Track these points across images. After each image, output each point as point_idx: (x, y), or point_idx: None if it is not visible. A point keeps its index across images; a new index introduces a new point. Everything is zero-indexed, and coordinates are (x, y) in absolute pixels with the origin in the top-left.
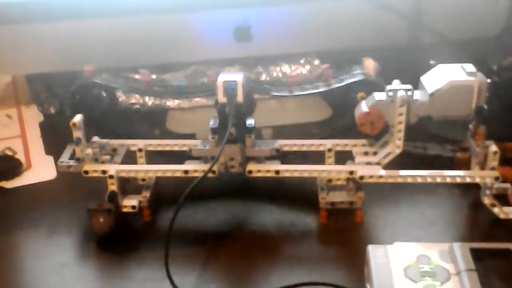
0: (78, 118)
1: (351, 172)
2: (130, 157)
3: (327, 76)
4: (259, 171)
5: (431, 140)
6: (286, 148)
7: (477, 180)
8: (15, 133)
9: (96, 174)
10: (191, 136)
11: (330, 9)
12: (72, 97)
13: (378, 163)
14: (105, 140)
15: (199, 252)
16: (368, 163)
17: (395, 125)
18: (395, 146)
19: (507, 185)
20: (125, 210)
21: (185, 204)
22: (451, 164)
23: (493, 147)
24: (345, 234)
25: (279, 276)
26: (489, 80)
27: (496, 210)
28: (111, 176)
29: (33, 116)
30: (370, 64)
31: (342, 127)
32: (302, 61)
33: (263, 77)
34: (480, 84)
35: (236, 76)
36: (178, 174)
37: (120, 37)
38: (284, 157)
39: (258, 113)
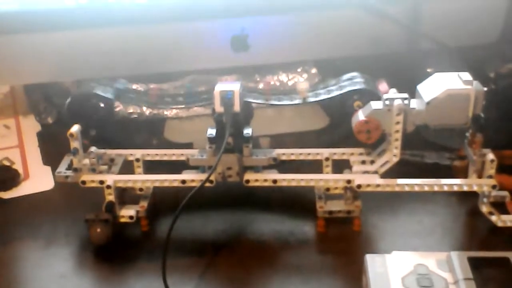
0: (75, 128)
1: (349, 181)
2: (127, 167)
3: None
4: (256, 180)
5: (428, 148)
6: (283, 157)
7: (475, 188)
8: (13, 143)
9: (93, 184)
10: (189, 146)
11: (328, 17)
12: (69, 108)
13: (375, 172)
14: (102, 150)
15: (197, 262)
16: (366, 172)
17: (392, 134)
18: (392, 154)
19: (505, 193)
20: (122, 220)
21: (183, 214)
22: (448, 172)
23: (490, 155)
24: (343, 243)
25: (277, 285)
26: (485, 88)
27: (493, 218)
28: (108, 186)
29: (31, 126)
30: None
31: (339, 136)
32: (299, 70)
33: (261, 86)
34: (476, 92)
35: (233, 86)
36: (175, 184)
37: (117, 47)
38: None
39: (256, 122)
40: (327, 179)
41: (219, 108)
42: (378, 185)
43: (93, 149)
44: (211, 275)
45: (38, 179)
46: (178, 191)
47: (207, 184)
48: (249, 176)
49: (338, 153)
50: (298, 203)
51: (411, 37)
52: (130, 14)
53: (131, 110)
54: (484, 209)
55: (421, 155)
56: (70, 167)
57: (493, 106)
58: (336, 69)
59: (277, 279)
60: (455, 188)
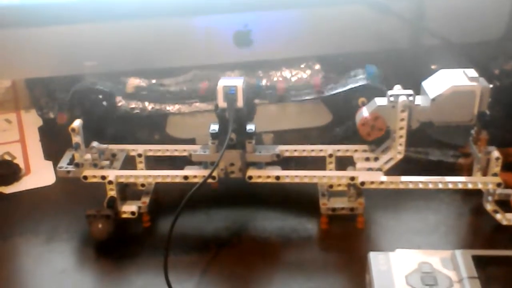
0: (77, 123)
1: (352, 178)
2: (129, 163)
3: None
4: (259, 176)
5: (433, 145)
6: (286, 154)
7: (479, 186)
8: (14, 138)
9: (95, 180)
10: (191, 141)
11: (331, 13)
12: (70, 102)
13: (379, 169)
14: (104, 145)
15: (199, 258)
16: (369, 169)
17: (396, 131)
18: (397, 151)
19: (510, 191)
20: (124, 216)
21: (185, 210)
22: (453, 169)
23: (496, 153)
24: (346, 240)
25: (280, 283)
26: (491, 85)
27: (498, 216)
28: (110, 182)
29: (32, 121)
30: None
31: (342, 132)
32: (302, 66)
33: (264, 82)
34: (482, 89)
35: (236, 81)
36: (177, 180)
37: (119, 41)
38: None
39: (259, 118)
40: (331, 176)
41: (222, 104)
42: (382, 182)
43: (95, 144)
44: (213, 271)
45: (39, 174)
46: (180, 187)
47: (210, 180)
48: (252, 172)
49: (342, 149)
50: (301, 200)
51: (415, 33)
52: (133, 8)
53: (133, 105)
54: (489, 207)
55: (425, 152)
56: (71, 162)
57: (498, 103)
58: (339, 65)
59: (279, 276)
60: (460, 186)
